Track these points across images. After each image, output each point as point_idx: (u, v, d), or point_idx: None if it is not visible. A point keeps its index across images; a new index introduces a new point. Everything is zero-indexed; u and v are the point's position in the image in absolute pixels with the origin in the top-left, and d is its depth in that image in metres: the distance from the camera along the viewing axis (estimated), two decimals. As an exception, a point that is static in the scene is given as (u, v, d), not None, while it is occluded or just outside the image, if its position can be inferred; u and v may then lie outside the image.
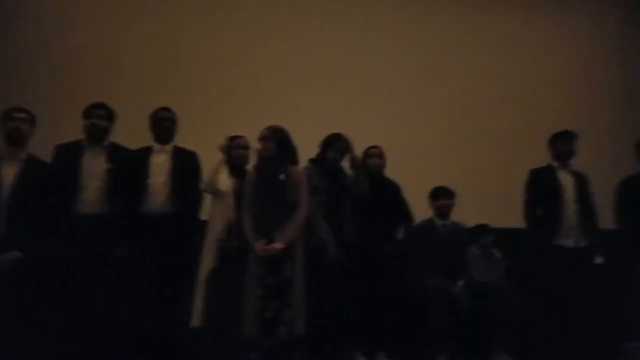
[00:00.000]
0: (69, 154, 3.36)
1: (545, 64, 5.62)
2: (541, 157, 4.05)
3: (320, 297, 3.18)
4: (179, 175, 3.52)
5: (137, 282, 3.25)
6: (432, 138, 5.20)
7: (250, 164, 3.49)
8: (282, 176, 3.16)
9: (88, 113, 3.42)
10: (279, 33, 5.26)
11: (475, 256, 4.09)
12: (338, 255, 3.32)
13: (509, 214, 4.08)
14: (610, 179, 4.07)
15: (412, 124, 5.19)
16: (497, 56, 5.55)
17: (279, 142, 3.21)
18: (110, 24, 5.05)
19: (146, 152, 3.57)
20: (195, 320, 3.32)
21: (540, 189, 3.94)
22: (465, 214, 4.10)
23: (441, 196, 4.00)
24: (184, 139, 3.71)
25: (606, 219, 3.98)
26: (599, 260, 3.85)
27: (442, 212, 4.00)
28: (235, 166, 3.53)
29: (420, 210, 4.02)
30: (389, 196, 3.79)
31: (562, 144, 3.97)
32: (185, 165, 3.58)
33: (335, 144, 3.52)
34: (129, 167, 3.44)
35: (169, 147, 3.61)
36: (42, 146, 3.31)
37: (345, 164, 3.61)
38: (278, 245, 3.06)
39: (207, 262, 3.39)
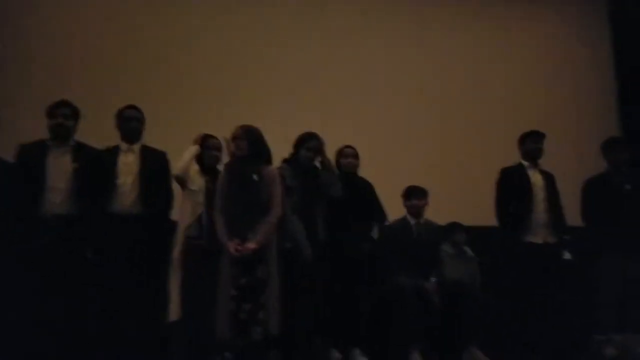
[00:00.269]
0: (33, 154, 3.25)
1: (513, 68, 5.73)
2: (511, 157, 4.12)
3: (294, 297, 3.16)
4: (148, 175, 3.44)
5: (107, 283, 3.18)
6: (406, 138, 5.23)
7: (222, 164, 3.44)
8: (255, 176, 3.12)
9: (52, 112, 3.31)
10: (256, 35, 5.26)
11: (447, 254, 4.14)
12: (312, 255, 3.30)
13: (481, 212, 4.13)
14: (578, 178, 4.17)
15: (386, 125, 5.23)
16: (468, 60, 5.65)
17: (251, 142, 3.17)
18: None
19: (113, 151, 3.48)
20: (173, 314, 3.27)
21: (512, 187, 3.99)
22: (437, 213, 4.13)
23: (414, 196, 4.03)
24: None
25: (574, 216, 4.08)
26: (566, 256, 3.94)
27: (415, 211, 4.02)
28: (207, 166, 3.48)
29: (394, 209, 4.03)
30: (363, 196, 3.79)
31: (531, 143, 4.04)
32: (155, 165, 3.50)
33: (308, 142, 3.50)
34: (96, 167, 3.36)
35: (136, 147, 3.52)
36: (4, 146, 3.21)
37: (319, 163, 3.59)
38: (251, 245, 3.02)
39: (178, 258, 3.35)
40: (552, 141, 4.12)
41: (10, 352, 2.91)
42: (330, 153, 3.69)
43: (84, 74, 4.77)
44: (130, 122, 3.52)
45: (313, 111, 4.92)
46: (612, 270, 3.92)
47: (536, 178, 4.00)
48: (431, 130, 5.36)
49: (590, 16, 6.09)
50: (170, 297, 3.31)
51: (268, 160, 3.25)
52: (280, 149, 3.46)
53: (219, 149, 3.52)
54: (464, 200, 4.77)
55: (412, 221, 4.03)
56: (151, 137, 3.62)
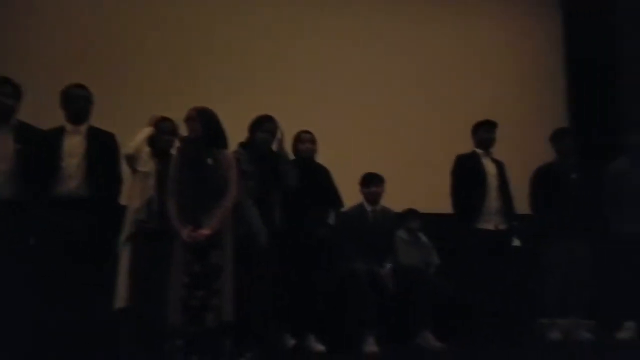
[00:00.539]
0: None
1: (468, 60, 5.82)
2: (465, 145, 4.18)
3: (249, 283, 3.11)
4: (95, 157, 3.30)
5: (50, 270, 3.05)
6: (362, 125, 5.24)
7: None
8: (210, 160, 3.03)
9: (-8, 91, 3.11)
10: (224, 22, 5.18)
11: (402, 240, 4.18)
12: (268, 241, 3.25)
13: (436, 199, 4.19)
14: (527, 167, 4.29)
15: (343, 111, 5.22)
16: (426, 51, 5.70)
17: (205, 124, 3.06)
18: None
19: (58, 132, 3.32)
20: (120, 302, 3.17)
21: (466, 175, 4.06)
22: (393, 200, 4.16)
23: (371, 183, 4.03)
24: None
25: (523, 204, 4.20)
26: (515, 242, 4.06)
27: (373, 198, 4.03)
28: (159, 149, 3.36)
29: (350, 195, 4.02)
30: (319, 182, 3.76)
31: (484, 132, 4.12)
32: (103, 147, 3.36)
33: (263, 125, 3.43)
34: (39, 148, 3.20)
35: (83, 128, 3.36)
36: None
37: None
38: (205, 231, 2.93)
39: (126, 243, 3.24)
40: (503, 130, 4.20)
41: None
42: (288, 138, 3.64)
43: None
44: (76, 102, 3.36)
45: (272, 95, 4.86)
46: (557, 257, 4.08)
47: (489, 166, 4.09)
48: (387, 118, 5.38)
49: (542, 8, 6.25)
50: (117, 284, 3.20)
51: (224, 144, 3.16)
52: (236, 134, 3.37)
53: (173, 132, 3.39)
54: (419, 187, 4.83)
55: (369, 208, 4.05)
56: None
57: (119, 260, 3.23)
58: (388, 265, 3.85)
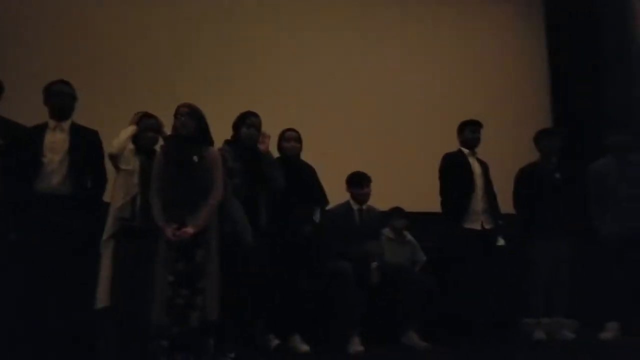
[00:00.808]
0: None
1: (453, 61, 5.86)
2: (450, 144, 4.20)
3: (234, 282, 3.08)
4: (78, 154, 3.26)
5: (31, 267, 3.00)
6: (350, 125, 5.24)
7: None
8: (195, 157, 3.00)
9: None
10: (207, 20, 5.15)
11: (388, 239, 4.18)
12: (253, 239, 3.22)
13: (421, 198, 4.19)
14: (512, 167, 4.32)
15: (330, 110, 5.21)
16: (412, 52, 5.72)
17: (198, 122, 3.05)
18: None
19: (41, 129, 3.27)
20: (101, 301, 3.11)
21: (454, 174, 4.06)
22: (379, 199, 4.15)
23: (360, 184, 4.00)
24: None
25: (509, 203, 4.22)
26: (500, 242, 4.08)
27: (360, 199, 4.02)
28: (143, 147, 3.31)
29: (336, 193, 4.01)
30: (305, 180, 3.74)
31: (470, 132, 4.14)
32: (86, 144, 3.32)
33: (247, 120, 3.41)
34: (21, 144, 3.15)
35: (66, 124, 3.32)
36: None
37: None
38: (190, 230, 2.90)
39: (109, 241, 3.19)
40: (487, 131, 4.23)
41: None
42: (274, 136, 3.62)
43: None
44: (59, 98, 3.31)
45: (258, 95, 4.83)
46: (541, 257, 4.11)
47: (475, 166, 4.10)
48: (373, 116, 5.39)
49: (526, 11, 6.31)
50: (99, 283, 3.14)
51: (210, 141, 3.14)
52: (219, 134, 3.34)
53: (156, 129, 3.35)
54: (404, 185, 4.83)
55: (355, 207, 4.03)
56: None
57: (101, 259, 3.18)
58: (374, 265, 3.84)
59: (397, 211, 4.24)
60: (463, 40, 5.94)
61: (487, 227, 3.99)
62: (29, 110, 3.34)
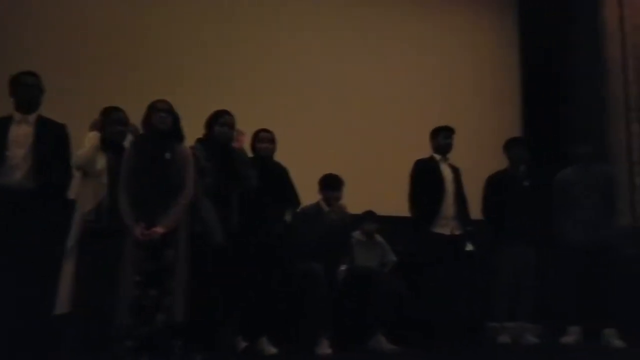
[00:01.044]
0: None
1: (426, 67, 5.90)
2: (422, 149, 4.24)
3: (203, 283, 3.03)
4: (44, 148, 3.16)
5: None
6: (322, 126, 5.23)
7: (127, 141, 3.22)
8: (168, 155, 2.94)
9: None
10: (182, 20, 5.09)
11: (358, 242, 4.19)
12: (223, 240, 3.18)
13: (393, 202, 4.21)
14: (483, 174, 4.38)
15: (302, 112, 5.19)
16: (385, 57, 5.74)
17: (174, 118, 3.00)
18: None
19: (5, 122, 3.16)
20: (61, 307, 3.00)
21: (424, 179, 4.11)
22: (352, 202, 4.16)
23: (330, 188, 3.98)
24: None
25: (478, 210, 4.29)
26: (469, 247, 4.14)
27: (332, 203, 4.01)
28: (110, 143, 3.20)
29: (309, 194, 4.00)
30: (277, 181, 3.71)
31: (443, 138, 4.18)
32: (52, 138, 3.22)
33: (220, 118, 3.36)
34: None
35: (32, 117, 3.22)
36: None
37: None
38: (159, 230, 2.84)
39: (71, 242, 3.08)
40: (458, 137, 4.28)
41: None
42: (247, 137, 3.58)
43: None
44: (26, 90, 3.21)
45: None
46: (508, 262, 4.18)
47: (446, 172, 4.15)
48: (345, 119, 5.40)
49: (500, 21, 6.42)
50: (60, 290, 3.03)
51: (182, 138, 3.09)
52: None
53: (124, 123, 3.25)
54: (377, 190, 4.85)
55: (326, 208, 4.02)
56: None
57: (63, 263, 3.06)
58: (343, 267, 3.84)
59: (369, 215, 4.26)
60: (437, 48, 6.01)
61: (457, 232, 4.04)
62: None
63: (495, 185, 4.36)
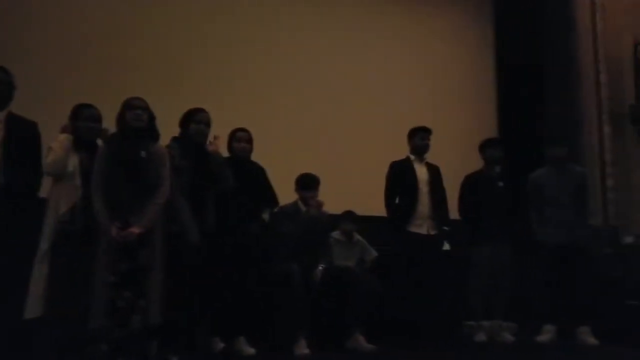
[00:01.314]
0: None
1: (404, 68, 5.96)
2: (400, 149, 4.27)
3: (179, 284, 2.98)
4: (14, 145, 3.08)
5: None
6: (299, 126, 5.24)
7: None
8: (143, 153, 2.89)
9: None
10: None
11: (337, 242, 4.18)
12: (199, 240, 3.13)
13: (371, 202, 4.22)
14: (460, 174, 4.42)
15: (279, 111, 5.18)
16: (363, 56, 5.78)
17: (150, 116, 2.96)
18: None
19: (-26, 119, 3.07)
20: (31, 311, 2.91)
21: (399, 180, 4.16)
22: (331, 202, 4.15)
23: (308, 186, 3.97)
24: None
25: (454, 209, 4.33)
26: (446, 246, 4.16)
27: (308, 202, 3.99)
28: (83, 142, 3.11)
29: (286, 194, 3.98)
30: (254, 181, 3.68)
31: (419, 139, 4.22)
32: (22, 135, 3.14)
33: (196, 115, 3.32)
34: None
35: (2, 115, 3.13)
36: None
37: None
38: (135, 230, 2.79)
39: (45, 245, 2.98)
40: (435, 138, 4.31)
41: None
42: (224, 136, 3.56)
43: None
44: (-4, 86, 3.11)
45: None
46: (484, 261, 4.22)
47: (421, 172, 4.18)
48: (324, 119, 5.41)
49: (477, 24, 6.51)
50: (30, 294, 2.93)
51: (157, 137, 3.04)
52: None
53: (97, 119, 3.16)
54: (355, 189, 4.86)
55: (303, 208, 4.00)
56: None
57: (36, 262, 2.97)
58: (321, 267, 3.83)
59: (348, 215, 4.25)
60: (414, 49, 6.06)
61: (432, 232, 4.08)
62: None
63: (471, 185, 4.39)
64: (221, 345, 3.45)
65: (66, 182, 3.04)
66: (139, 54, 4.86)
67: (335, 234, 4.21)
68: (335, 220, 4.22)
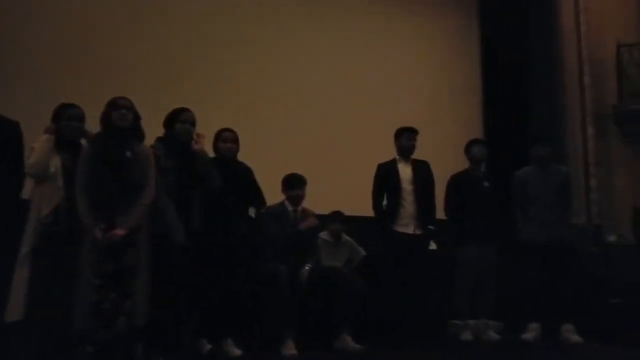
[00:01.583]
0: None
1: (392, 68, 5.97)
2: (387, 149, 4.28)
3: (164, 285, 2.96)
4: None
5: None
6: (286, 126, 5.23)
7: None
8: (128, 153, 2.87)
9: None
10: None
11: (325, 242, 4.17)
12: (185, 240, 3.11)
13: (358, 202, 4.24)
14: (446, 174, 4.45)
15: (266, 111, 5.16)
16: (351, 57, 5.79)
17: (135, 116, 2.93)
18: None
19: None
20: (12, 314, 2.85)
21: (385, 181, 4.19)
22: (319, 202, 4.15)
23: (293, 186, 3.97)
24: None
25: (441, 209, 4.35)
26: (432, 246, 4.18)
27: (296, 201, 3.99)
28: (65, 142, 3.06)
29: (273, 194, 3.97)
30: (241, 181, 3.67)
31: (406, 140, 4.23)
32: (4, 135, 3.09)
33: (181, 115, 3.30)
34: None
35: (-17, 115, 3.09)
36: None
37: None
38: (120, 231, 2.77)
39: (27, 248, 2.93)
40: (422, 138, 4.32)
41: None
42: (209, 136, 3.53)
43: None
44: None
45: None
46: (470, 261, 4.24)
47: (405, 172, 4.20)
48: (311, 119, 5.41)
49: (463, 25, 6.55)
50: (12, 296, 2.87)
51: (143, 137, 3.02)
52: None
53: (81, 119, 3.11)
54: (343, 189, 4.86)
55: (290, 208, 4.00)
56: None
57: (17, 268, 2.90)
58: (307, 267, 3.83)
59: (336, 215, 4.25)
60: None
61: (418, 232, 4.10)
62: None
63: (457, 185, 4.42)
64: (208, 346, 3.43)
65: (49, 184, 2.99)
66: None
67: (323, 235, 4.21)
68: (324, 221, 4.22)
